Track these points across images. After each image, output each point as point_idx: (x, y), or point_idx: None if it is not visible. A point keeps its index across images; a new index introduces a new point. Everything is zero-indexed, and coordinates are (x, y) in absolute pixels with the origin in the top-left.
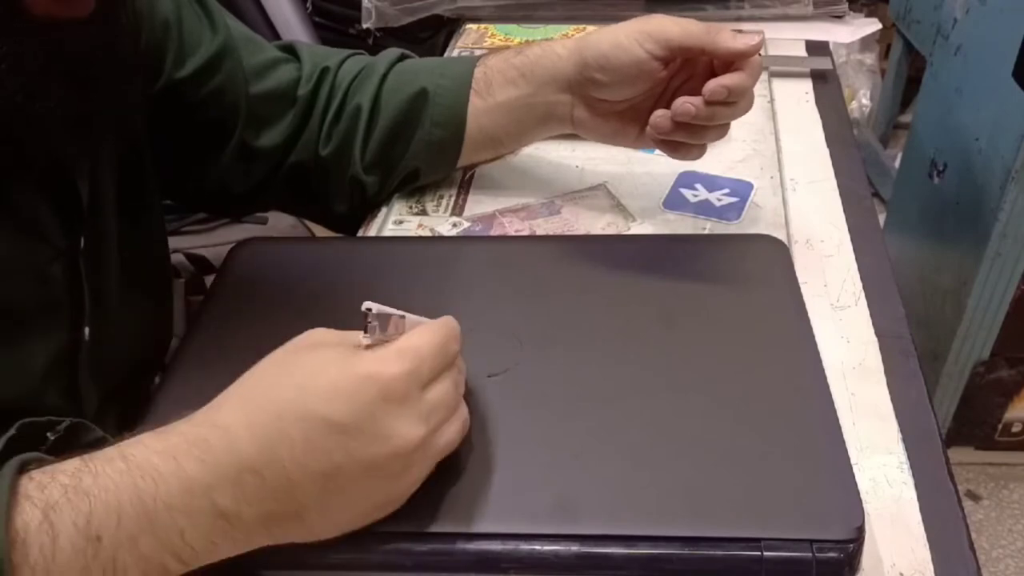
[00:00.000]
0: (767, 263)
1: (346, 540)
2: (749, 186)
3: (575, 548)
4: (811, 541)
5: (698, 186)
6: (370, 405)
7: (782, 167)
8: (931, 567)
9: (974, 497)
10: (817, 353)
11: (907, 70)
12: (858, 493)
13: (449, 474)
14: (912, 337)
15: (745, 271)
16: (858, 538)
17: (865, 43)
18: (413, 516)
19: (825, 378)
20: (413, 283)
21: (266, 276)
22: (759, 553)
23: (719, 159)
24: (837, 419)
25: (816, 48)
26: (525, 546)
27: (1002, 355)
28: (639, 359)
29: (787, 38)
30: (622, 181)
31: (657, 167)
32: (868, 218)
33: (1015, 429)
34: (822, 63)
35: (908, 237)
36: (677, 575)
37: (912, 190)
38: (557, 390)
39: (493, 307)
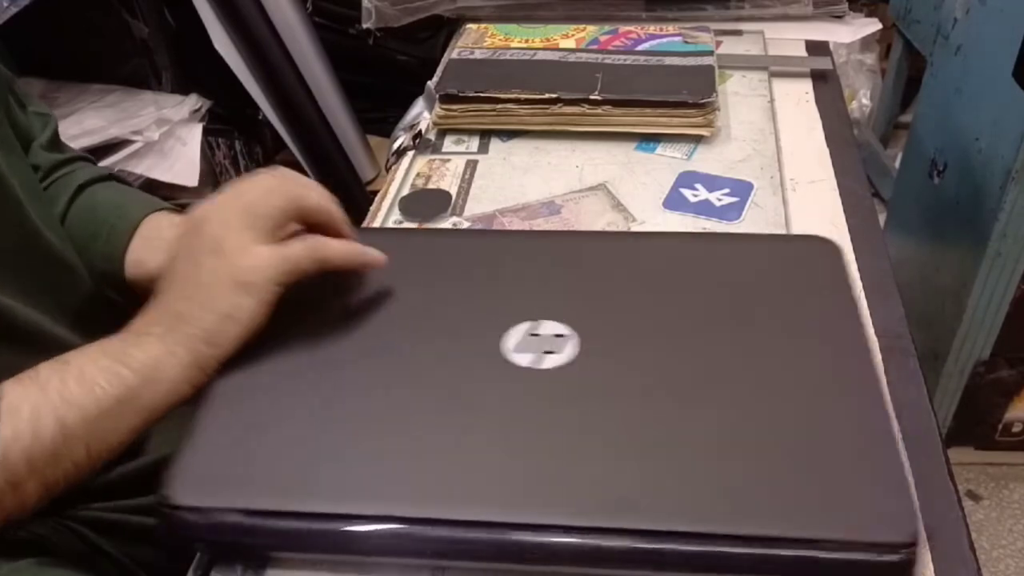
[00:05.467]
0: (821, 264)
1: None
2: (749, 186)
3: (632, 543)
4: (870, 544)
5: (698, 186)
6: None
7: (782, 167)
8: (931, 567)
9: (974, 497)
10: (871, 357)
11: (907, 70)
12: (913, 497)
13: (510, 466)
14: (912, 337)
15: (799, 272)
16: (915, 542)
17: (865, 43)
18: (473, 507)
19: (880, 381)
20: (456, 279)
21: None
22: (817, 554)
23: (719, 159)
24: (891, 423)
25: (816, 48)
26: (583, 539)
27: (1002, 355)
28: (695, 357)
29: (787, 38)
30: (622, 181)
31: (657, 167)
32: (868, 218)
33: (1015, 429)
34: (822, 63)
35: (908, 237)
36: (732, 572)
37: (912, 190)
38: (613, 386)
39: (547, 303)
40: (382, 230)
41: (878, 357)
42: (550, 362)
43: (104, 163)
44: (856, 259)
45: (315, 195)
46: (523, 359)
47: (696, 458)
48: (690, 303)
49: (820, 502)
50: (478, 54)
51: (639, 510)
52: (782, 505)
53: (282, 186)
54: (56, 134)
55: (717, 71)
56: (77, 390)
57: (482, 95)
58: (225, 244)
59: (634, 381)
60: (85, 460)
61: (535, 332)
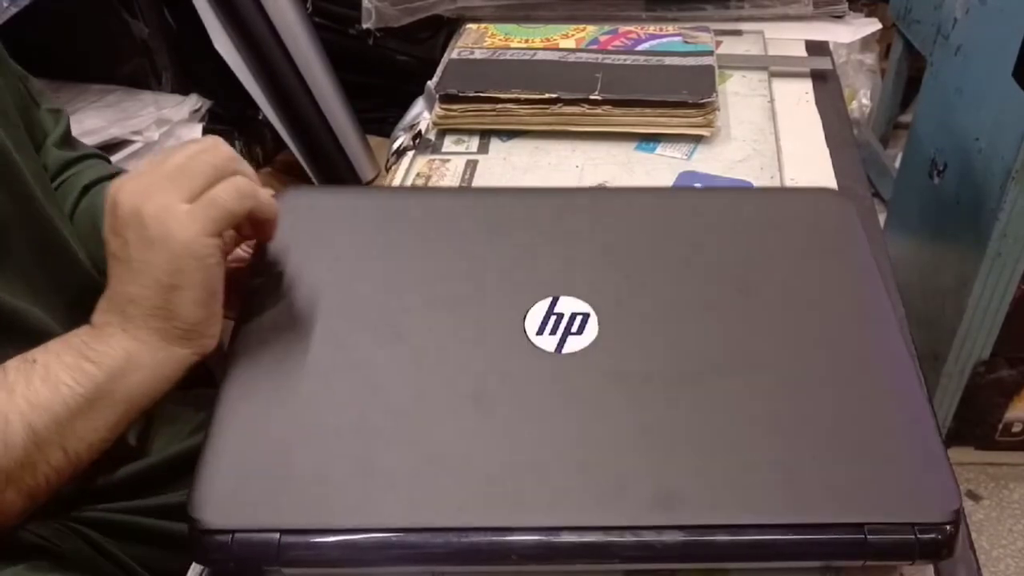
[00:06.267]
0: (833, 219)
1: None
2: (749, 186)
3: (680, 537)
4: (913, 524)
5: (698, 186)
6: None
7: (782, 167)
8: (931, 567)
9: (974, 497)
10: (896, 323)
11: (907, 70)
12: (953, 474)
13: (548, 464)
14: (912, 337)
15: (811, 230)
16: (956, 520)
17: (865, 43)
18: (515, 510)
19: (907, 352)
20: (475, 238)
21: (321, 226)
22: (863, 536)
23: (719, 159)
24: (924, 398)
25: (816, 48)
26: (631, 537)
27: (1002, 355)
28: (717, 329)
29: (787, 38)
30: (622, 181)
31: (657, 167)
32: (868, 218)
33: (1015, 429)
34: (822, 63)
35: (908, 237)
36: (780, 559)
37: (912, 190)
38: (636, 367)
39: (564, 273)
40: (387, 189)
41: (898, 326)
42: (573, 345)
43: None
44: None
45: (249, 167)
46: (547, 343)
47: (734, 444)
48: (706, 268)
49: (865, 485)
50: (478, 54)
51: (689, 504)
52: (827, 490)
53: (217, 146)
54: (68, 131)
55: (717, 71)
56: (44, 392)
57: (482, 95)
58: (144, 211)
59: (660, 362)
60: (65, 462)
61: (555, 311)
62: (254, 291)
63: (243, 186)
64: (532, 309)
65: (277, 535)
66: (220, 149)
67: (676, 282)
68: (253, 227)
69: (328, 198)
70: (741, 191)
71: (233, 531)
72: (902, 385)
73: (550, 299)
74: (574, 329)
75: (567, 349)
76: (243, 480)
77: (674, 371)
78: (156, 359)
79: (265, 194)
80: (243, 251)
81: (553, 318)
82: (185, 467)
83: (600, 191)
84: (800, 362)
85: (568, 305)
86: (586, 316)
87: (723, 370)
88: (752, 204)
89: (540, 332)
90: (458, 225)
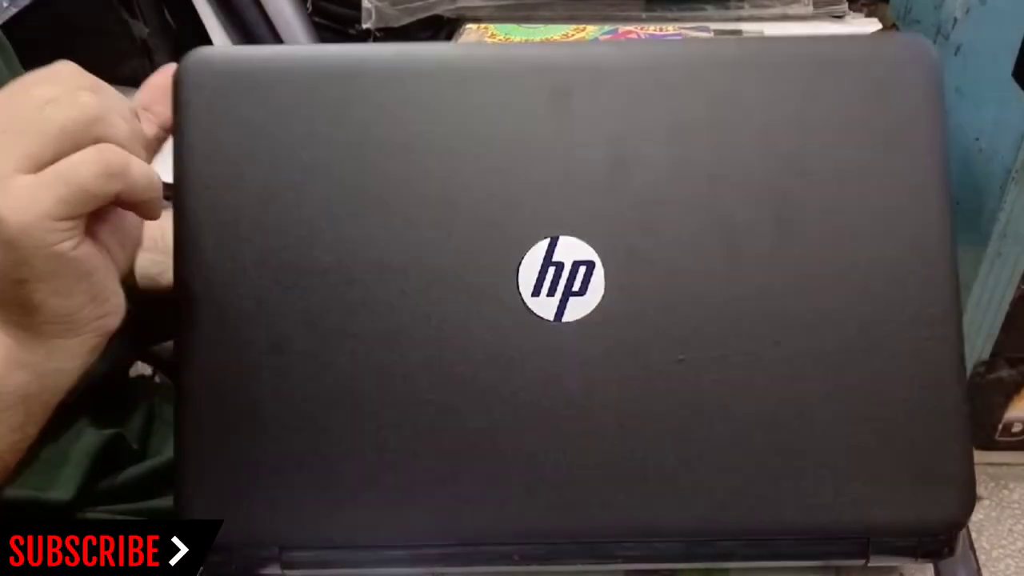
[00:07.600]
0: (910, 95)
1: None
2: None
3: (682, 538)
4: (919, 533)
5: None
6: None
7: None
8: (931, 567)
9: None
10: (955, 273)
11: None
12: (973, 478)
13: (548, 461)
14: None
15: (882, 106)
16: (965, 521)
17: None
18: (516, 512)
19: (957, 322)
20: (443, 128)
21: (239, 112)
22: (866, 538)
23: None
24: (964, 391)
25: None
26: (633, 538)
27: (1002, 355)
28: (739, 285)
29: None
30: None
31: None
32: None
33: (1015, 429)
34: None
35: None
36: (782, 559)
37: None
38: (643, 339)
39: (561, 197)
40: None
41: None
42: (574, 310)
43: None
44: None
45: (122, 125)
46: (545, 308)
47: (741, 439)
48: (735, 173)
49: (873, 485)
50: None
51: (692, 506)
52: (835, 490)
53: (75, 95)
54: None
55: None
56: None
57: None
58: None
59: (668, 333)
60: None
61: (553, 260)
62: (182, 255)
63: (111, 160)
64: (526, 259)
65: (277, 550)
66: (79, 101)
67: (700, 202)
68: (126, 209)
69: (245, 61)
70: (796, 41)
71: (231, 548)
72: (938, 364)
73: (547, 243)
74: (575, 288)
75: (568, 316)
76: (231, 485)
77: (684, 346)
78: (37, 355)
79: (140, 169)
80: None
81: (552, 271)
82: None
83: (610, 46)
84: (833, 335)
85: (568, 251)
86: (591, 267)
87: (739, 344)
88: (809, 62)
89: (536, 293)
90: (421, 105)
